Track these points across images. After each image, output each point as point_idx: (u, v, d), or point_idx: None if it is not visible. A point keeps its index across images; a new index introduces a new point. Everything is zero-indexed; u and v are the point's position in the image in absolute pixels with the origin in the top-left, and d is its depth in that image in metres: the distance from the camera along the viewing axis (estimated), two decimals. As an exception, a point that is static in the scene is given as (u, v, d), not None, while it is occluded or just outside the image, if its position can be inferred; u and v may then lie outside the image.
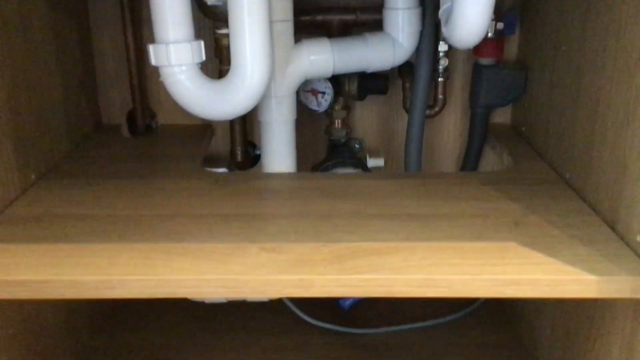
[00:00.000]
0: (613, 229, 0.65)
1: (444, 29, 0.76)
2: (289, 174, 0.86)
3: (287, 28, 0.83)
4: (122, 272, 0.57)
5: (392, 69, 0.94)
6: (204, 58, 0.74)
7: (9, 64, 0.71)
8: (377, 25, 0.94)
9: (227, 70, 0.92)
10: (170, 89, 0.74)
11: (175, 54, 0.72)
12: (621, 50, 0.64)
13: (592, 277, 0.55)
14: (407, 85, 0.99)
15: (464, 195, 0.75)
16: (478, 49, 0.96)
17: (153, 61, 0.73)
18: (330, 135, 1.04)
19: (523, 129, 0.99)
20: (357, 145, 1.08)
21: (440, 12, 0.78)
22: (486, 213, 0.69)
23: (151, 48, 0.72)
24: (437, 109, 1.01)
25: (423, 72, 0.91)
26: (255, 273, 0.57)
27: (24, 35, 0.76)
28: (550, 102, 0.85)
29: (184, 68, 0.73)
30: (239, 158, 1.05)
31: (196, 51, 0.73)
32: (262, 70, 0.72)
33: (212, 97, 0.74)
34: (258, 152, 1.09)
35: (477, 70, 0.98)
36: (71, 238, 0.63)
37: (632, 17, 0.61)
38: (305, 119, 1.05)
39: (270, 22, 0.78)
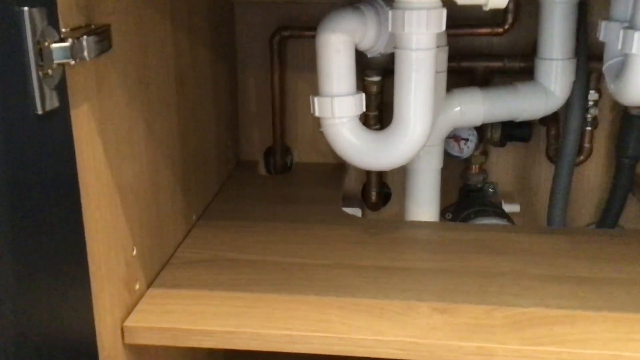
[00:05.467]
0: None
1: (611, 85, 0.74)
2: (437, 223, 0.86)
3: (441, 79, 0.83)
4: (302, 327, 0.58)
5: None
6: (364, 109, 0.76)
7: (183, 113, 0.75)
8: (523, 73, 0.93)
9: (373, 116, 0.95)
10: (332, 139, 0.76)
11: (338, 106, 0.73)
12: None
13: None
14: (552, 132, 0.97)
15: (631, 257, 0.72)
16: (631, 99, 0.93)
17: (317, 113, 0.75)
18: (467, 180, 1.03)
19: (675, 182, 0.94)
20: (491, 190, 1.06)
21: (606, 66, 0.76)
22: (658, 280, 0.67)
23: (316, 100, 0.74)
24: (582, 157, 0.98)
25: (575, 124, 0.89)
26: (432, 337, 0.57)
27: (195, 86, 0.80)
28: None
29: (345, 120, 0.74)
30: (373, 199, 1.06)
31: (358, 104, 0.75)
32: (424, 123, 0.73)
33: (373, 149, 0.75)
34: (389, 192, 1.10)
35: (627, 120, 0.95)
36: (246, 287, 0.65)
37: None
38: (441, 162, 1.05)
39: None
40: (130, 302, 0.61)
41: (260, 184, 1.01)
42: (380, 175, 1.05)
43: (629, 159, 0.97)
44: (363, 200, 1.08)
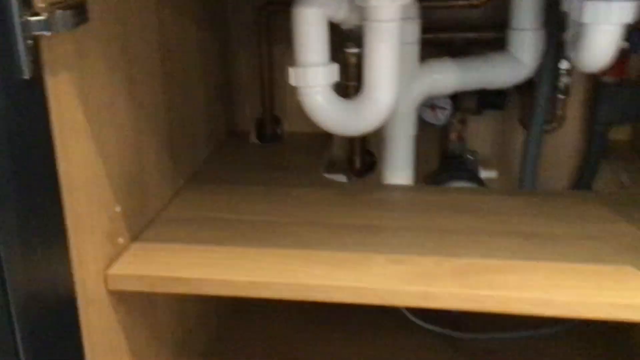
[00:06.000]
0: None
1: (571, 53, 0.78)
2: (409, 186, 0.92)
3: (413, 49, 0.88)
4: (267, 275, 0.64)
5: (510, 84, 0.96)
6: (337, 79, 0.81)
7: (168, 82, 0.81)
8: (499, 44, 0.96)
9: (352, 86, 1.00)
10: (307, 107, 0.81)
11: (312, 76, 0.79)
12: None
13: None
14: (526, 101, 1.01)
15: (582, 215, 0.77)
16: (601, 68, 0.96)
17: (293, 82, 0.80)
18: (446, 148, 1.07)
19: (645, 147, 0.98)
20: (470, 157, 1.10)
21: (568, 36, 0.80)
22: (604, 235, 0.71)
23: (291, 70, 0.80)
24: (554, 124, 1.02)
25: (544, 90, 0.93)
26: (382, 283, 0.63)
27: (181, 57, 0.86)
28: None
29: (319, 89, 0.80)
30: (357, 166, 1.11)
31: (330, 73, 0.80)
32: (391, 91, 0.78)
33: (345, 115, 0.80)
34: (374, 159, 1.15)
35: (599, 88, 0.99)
36: (221, 242, 0.71)
37: None
38: (419, 129, 1.09)
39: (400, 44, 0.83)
40: (114, 253, 0.68)
41: (250, 152, 1.06)
42: (364, 142, 1.10)
43: (601, 125, 1.01)
44: (348, 167, 1.13)
